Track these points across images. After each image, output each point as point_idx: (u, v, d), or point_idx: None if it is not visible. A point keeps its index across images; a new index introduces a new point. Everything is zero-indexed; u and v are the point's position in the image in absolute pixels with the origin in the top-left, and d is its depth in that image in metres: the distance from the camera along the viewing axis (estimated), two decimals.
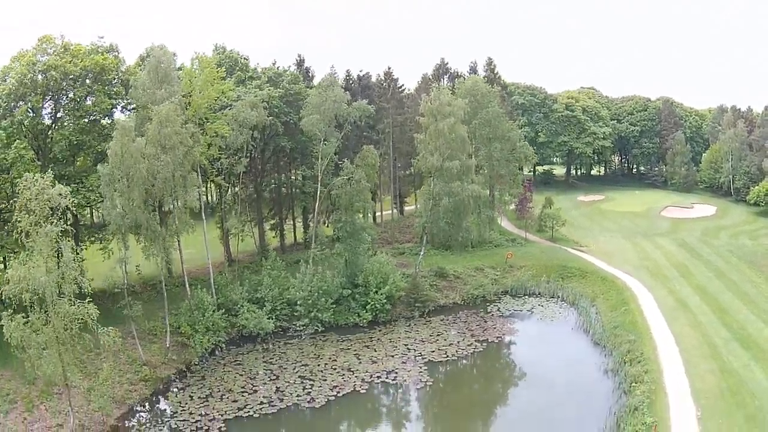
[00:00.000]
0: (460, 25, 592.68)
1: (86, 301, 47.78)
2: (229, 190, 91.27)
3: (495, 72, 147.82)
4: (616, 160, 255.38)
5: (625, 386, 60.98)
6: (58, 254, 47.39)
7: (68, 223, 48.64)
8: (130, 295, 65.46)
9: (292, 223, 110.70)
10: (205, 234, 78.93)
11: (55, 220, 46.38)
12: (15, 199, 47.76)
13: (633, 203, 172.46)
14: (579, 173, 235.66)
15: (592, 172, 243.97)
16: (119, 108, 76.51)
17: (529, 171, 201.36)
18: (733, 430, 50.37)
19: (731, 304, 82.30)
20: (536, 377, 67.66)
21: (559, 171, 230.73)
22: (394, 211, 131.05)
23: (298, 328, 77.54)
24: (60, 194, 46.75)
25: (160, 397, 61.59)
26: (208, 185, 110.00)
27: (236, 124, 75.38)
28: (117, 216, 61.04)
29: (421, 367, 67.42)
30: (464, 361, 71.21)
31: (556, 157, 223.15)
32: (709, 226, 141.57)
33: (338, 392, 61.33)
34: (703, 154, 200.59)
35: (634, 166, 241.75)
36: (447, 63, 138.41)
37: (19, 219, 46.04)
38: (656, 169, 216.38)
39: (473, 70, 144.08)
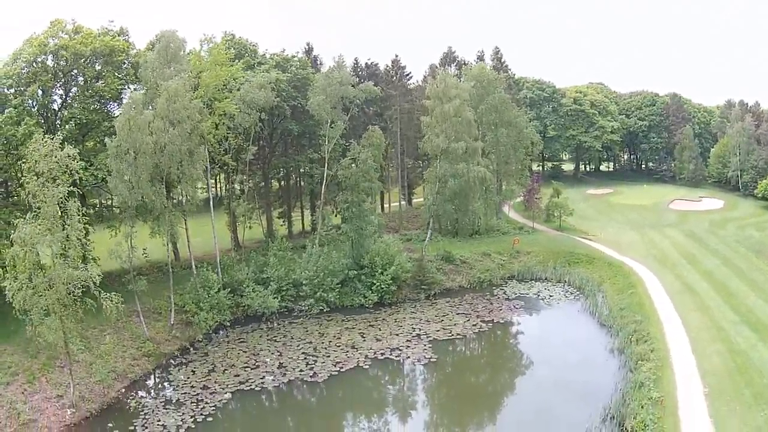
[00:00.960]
0: (460, 25, 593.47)
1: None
2: (237, 175, 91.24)
3: (502, 61, 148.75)
4: (625, 157, 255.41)
5: (631, 364, 60.46)
6: (63, 218, 47.74)
7: (75, 185, 49.44)
8: (136, 274, 65.60)
9: (300, 211, 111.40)
10: (212, 222, 79.78)
11: (62, 182, 46.83)
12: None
13: (641, 197, 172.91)
14: (588, 168, 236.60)
15: (601, 168, 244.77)
16: (130, 89, 76.45)
17: (538, 166, 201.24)
18: (741, 406, 49.84)
19: (739, 289, 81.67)
20: (541, 356, 67.36)
21: (568, 167, 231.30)
22: (402, 202, 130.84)
23: (303, 309, 77.61)
24: (69, 155, 47.32)
25: (162, 371, 61.72)
26: (218, 177, 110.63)
27: (244, 104, 75.70)
28: (124, 188, 61.29)
29: (425, 345, 67.26)
30: (469, 341, 71.05)
31: (565, 152, 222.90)
32: (717, 218, 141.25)
33: (341, 368, 61.23)
34: (711, 150, 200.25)
35: (643, 161, 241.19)
36: (454, 51, 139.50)
37: (27, 180, 46.46)
38: (665, 164, 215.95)
39: (480, 58, 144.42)
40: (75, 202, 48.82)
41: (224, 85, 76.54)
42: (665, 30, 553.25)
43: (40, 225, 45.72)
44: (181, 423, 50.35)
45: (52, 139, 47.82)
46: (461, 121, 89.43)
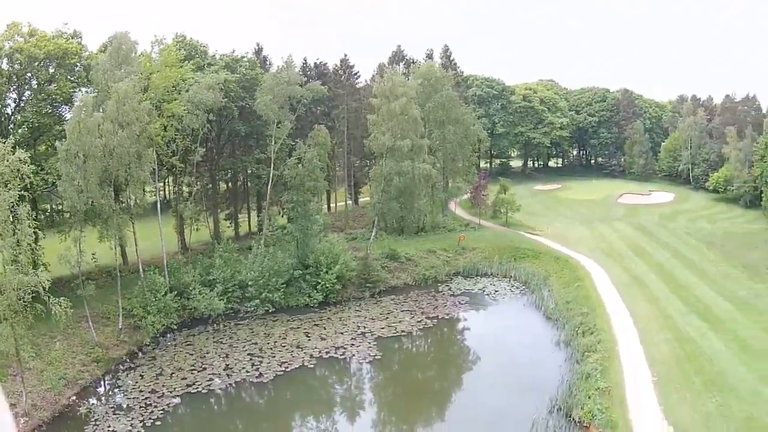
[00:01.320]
0: (461, 25, 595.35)
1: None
2: (185, 177, 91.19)
3: (451, 59, 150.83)
4: (574, 152, 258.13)
5: (578, 356, 61.92)
6: (14, 223, 47.98)
7: (26, 189, 49.88)
8: (84, 279, 65.74)
9: (247, 212, 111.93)
10: (160, 225, 79.76)
11: (13, 187, 47.06)
12: None
13: (590, 191, 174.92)
14: (536, 165, 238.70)
15: (550, 164, 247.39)
16: (82, 92, 76.40)
17: (486, 163, 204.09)
18: (690, 394, 51.17)
19: (688, 280, 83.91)
20: (487, 351, 69.11)
21: (516, 163, 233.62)
22: (349, 201, 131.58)
23: (248, 309, 78.05)
24: (20, 159, 47.37)
25: (111, 377, 61.86)
26: (166, 179, 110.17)
27: (193, 106, 75.99)
28: (73, 192, 61.15)
29: (370, 343, 68.25)
30: (415, 338, 72.18)
31: (514, 149, 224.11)
32: (667, 212, 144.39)
33: (287, 368, 61.86)
34: (662, 144, 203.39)
35: (592, 157, 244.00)
36: (403, 50, 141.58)
37: None
38: (614, 159, 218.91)
39: (429, 56, 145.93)
40: (26, 206, 48.93)
41: (174, 87, 76.90)
42: (664, 30, 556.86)
43: None
44: (131, 428, 50.54)
45: (4, 143, 47.86)
46: (407, 119, 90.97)
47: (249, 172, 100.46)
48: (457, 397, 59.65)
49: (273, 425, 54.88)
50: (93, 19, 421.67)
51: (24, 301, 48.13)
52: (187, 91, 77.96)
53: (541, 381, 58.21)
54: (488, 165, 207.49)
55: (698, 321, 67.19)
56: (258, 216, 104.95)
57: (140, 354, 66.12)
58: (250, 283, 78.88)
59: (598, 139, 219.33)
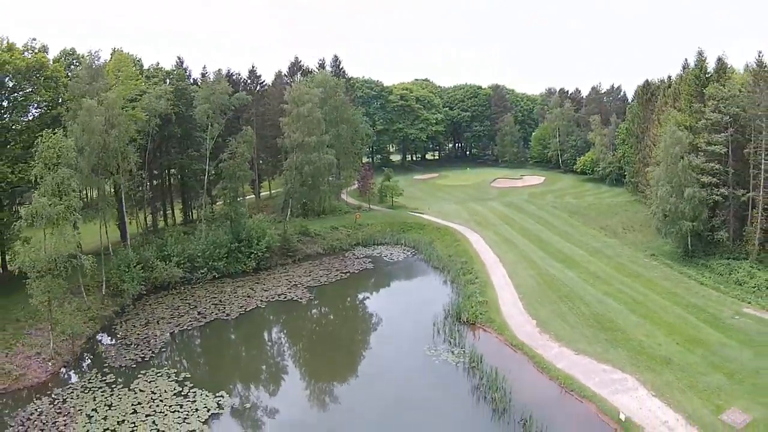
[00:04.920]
0: (461, 25, 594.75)
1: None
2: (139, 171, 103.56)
3: (340, 67, 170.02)
4: (449, 146, 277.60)
5: (461, 288, 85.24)
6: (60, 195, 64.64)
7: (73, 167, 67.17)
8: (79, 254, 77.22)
9: (182, 204, 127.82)
10: (125, 213, 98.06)
11: (64, 166, 64.87)
12: None
13: (465, 179, 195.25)
14: (414, 158, 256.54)
15: (427, 157, 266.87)
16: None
17: (368, 157, 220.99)
18: (549, 303, 75.38)
19: (550, 238, 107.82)
20: (392, 290, 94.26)
21: (396, 157, 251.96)
22: (252, 195, 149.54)
23: (199, 277, 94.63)
24: (69, 146, 65.61)
25: (108, 329, 75.99)
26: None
27: (146, 111, 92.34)
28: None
29: (303, 289, 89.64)
30: (335, 285, 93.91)
31: (392, 145, 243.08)
32: (537, 192, 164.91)
33: (245, 309, 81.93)
34: (533, 134, 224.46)
35: (467, 148, 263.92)
36: (300, 61, 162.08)
37: (35, 164, 64.65)
38: (488, 149, 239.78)
39: (321, 66, 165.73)
40: (73, 179, 66.54)
41: (133, 98, 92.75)
42: (666, 29, 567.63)
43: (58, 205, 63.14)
44: (142, 356, 66.55)
45: (55, 133, 66.41)
46: (312, 120, 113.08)
47: (185, 170, 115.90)
48: (377, 318, 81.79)
49: (245, 347, 74.40)
50: (92, 15, 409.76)
51: (61, 261, 63.86)
52: (138, 100, 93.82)
53: (436, 303, 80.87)
54: (371, 159, 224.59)
55: (557, 263, 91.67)
56: (193, 205, 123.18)
57: (124, 313, 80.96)
58: (198, 254, 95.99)
59: (472, 132, 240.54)
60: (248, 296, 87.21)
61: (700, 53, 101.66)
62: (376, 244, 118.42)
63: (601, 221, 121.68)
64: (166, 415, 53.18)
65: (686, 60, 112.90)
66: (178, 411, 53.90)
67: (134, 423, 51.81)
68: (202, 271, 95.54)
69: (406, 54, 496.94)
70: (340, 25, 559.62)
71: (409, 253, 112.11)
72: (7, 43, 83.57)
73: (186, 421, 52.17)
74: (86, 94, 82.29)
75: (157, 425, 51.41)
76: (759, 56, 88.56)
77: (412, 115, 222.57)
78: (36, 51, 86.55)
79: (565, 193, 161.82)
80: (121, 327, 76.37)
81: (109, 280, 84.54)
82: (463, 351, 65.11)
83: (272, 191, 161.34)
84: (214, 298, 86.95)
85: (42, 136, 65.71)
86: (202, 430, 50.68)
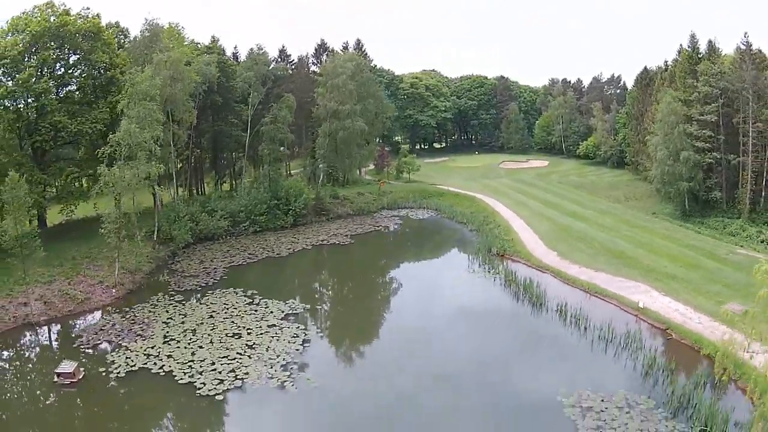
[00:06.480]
0: (461, 25, 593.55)
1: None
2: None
3: (363, 50, 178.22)
4: (456, 135, 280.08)
5: (487, 233, 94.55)
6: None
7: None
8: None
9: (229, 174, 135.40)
10: (175, 178, 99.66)
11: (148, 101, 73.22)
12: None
13: (474, 162, 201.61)
14: (422, 147, 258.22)
15: (435, 145, 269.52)
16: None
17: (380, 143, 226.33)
18: (566, 241, 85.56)
19: (560, 202, 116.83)
20: (423, 237, 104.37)
21: (405, 147, 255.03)
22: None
23: (241, 230, 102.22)
24: (156, 84, 74.86)
25: (165, 268, 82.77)
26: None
27: (199, 76, 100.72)
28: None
29: (343, 237, 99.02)
30: (373, 234, 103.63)
31: (401, 134, 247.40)
32: (543, 172, 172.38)
33: (293, 250, 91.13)
34: (536, 122, 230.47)
35: (473, 136, 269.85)
36: (326, 43, 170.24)
37: (121, 98, 74.20)
38: (494, 136, 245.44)
39: (345, 47, 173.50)
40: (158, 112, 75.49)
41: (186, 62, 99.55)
42: (666, 29, 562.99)
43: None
44: (205, 282, 74.73)
45: (142, 71, 76.51)
46: (345, 91, 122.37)
47: (223, 137, 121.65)
48: (416, 252, 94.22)
49: (302, 274, 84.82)
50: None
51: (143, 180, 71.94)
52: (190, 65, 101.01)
53: (466, 243, 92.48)
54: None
55: (568, 218, 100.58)
56: (217, 179, 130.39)
57: (176, 257, 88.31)
58: (241, 209, 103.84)
59: (478, 120, 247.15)
60: (293, 242, 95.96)
61: (693, 36, 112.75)
62: (400, 208, 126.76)
63: (606, 193, 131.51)
64: (242, 317, 61.40)
65: (681, 45, 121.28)
66: (254, 314, 62.33)
67: (213, 324, 59.54)
68: (245, 225, 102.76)
69: (407, 54, 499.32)
70: (341, 25, 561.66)
71: (433, 213, 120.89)
72: (64, 8, 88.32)
73: (264, 319, 60.71)
74: (144, 57, 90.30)
75: (236, 323, 59.63)
76: (745, 37, 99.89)
77: (422, 102, 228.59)
78: (89, 18, 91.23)
79: (569, 173, 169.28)
80: (177, 265, 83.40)
81: (159, 228, 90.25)
82: (498, 272, 75.78)
83: (291, 171, 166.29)
84: (262, 243, 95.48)
85: (130, 74, 75.90)
86: (281, 325, 58.90)
